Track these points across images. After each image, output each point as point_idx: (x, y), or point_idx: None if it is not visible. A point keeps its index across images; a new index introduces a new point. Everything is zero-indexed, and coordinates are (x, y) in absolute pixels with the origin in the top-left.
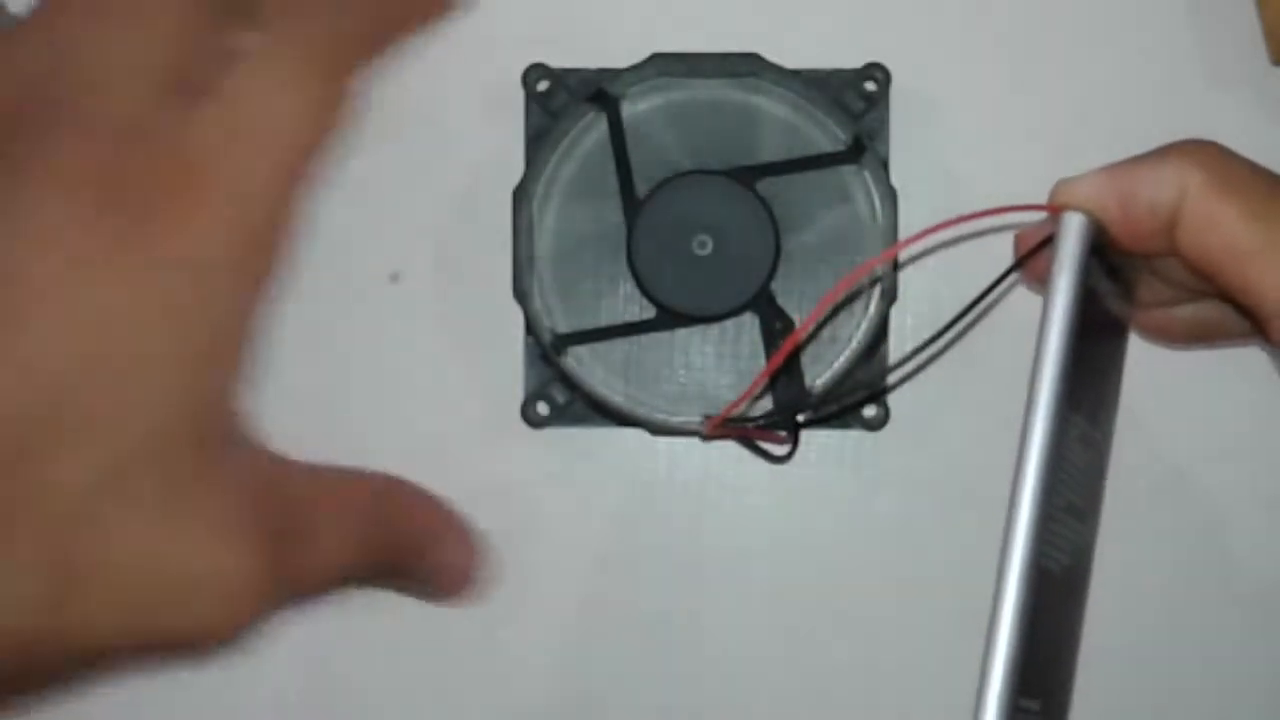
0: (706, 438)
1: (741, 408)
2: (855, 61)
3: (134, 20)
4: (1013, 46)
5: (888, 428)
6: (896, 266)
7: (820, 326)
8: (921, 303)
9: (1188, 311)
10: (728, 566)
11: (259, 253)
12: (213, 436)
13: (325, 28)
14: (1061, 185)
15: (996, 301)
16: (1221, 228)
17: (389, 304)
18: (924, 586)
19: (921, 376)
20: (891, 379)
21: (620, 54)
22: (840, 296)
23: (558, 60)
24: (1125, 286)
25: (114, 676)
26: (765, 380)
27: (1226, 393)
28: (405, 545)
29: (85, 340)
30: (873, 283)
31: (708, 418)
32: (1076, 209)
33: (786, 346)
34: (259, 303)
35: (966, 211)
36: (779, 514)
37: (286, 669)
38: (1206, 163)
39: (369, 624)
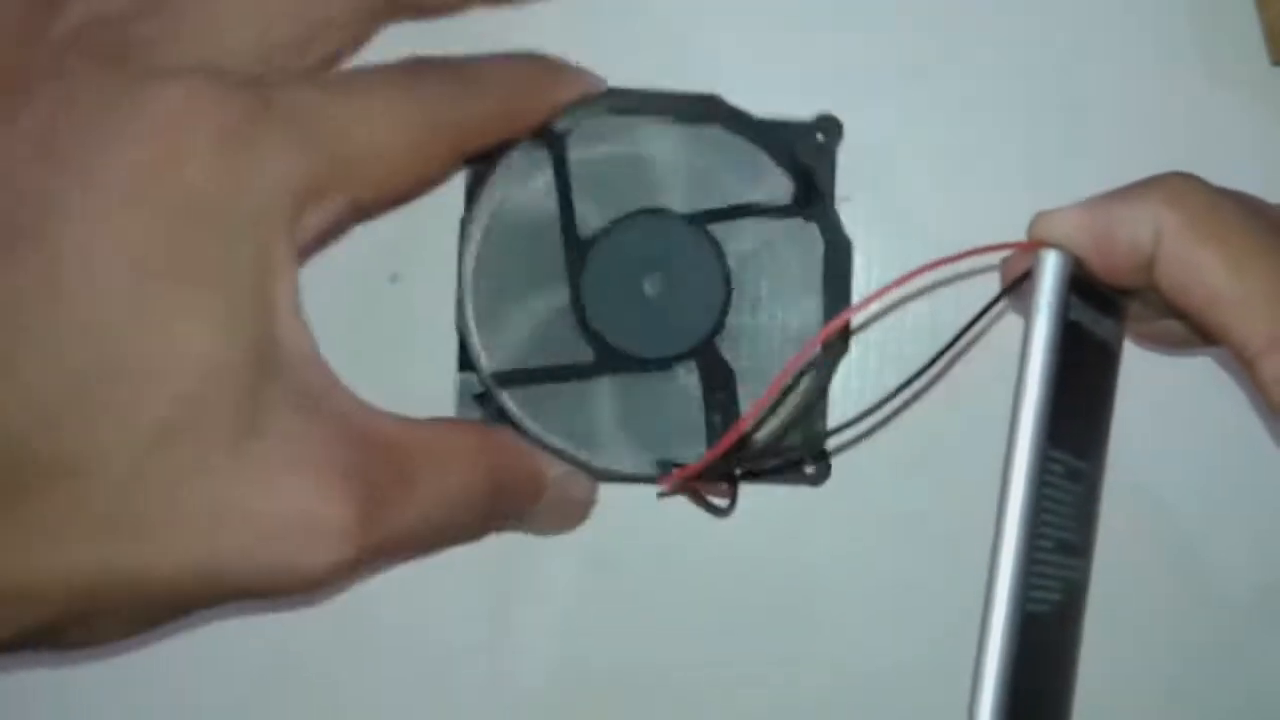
0: (664, 494)
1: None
2: (819, 101)
3: None
4: (1008, 45)
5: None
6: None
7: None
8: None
9: (1178, 324)
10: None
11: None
12: (286, 374)
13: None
14: (1039, 219)
15: (981, 334)
16: (1200, 274)
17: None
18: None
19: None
20: (868, 419)
21: None
22: (789, 378)
23: None
24: (1114, 309)
25: (195, 620)
26: (718, 451)
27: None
28: (512, 492)
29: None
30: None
31: (662, 471)
32: (1053, 245)
33: (733, 433)
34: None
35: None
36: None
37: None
38: (1185, 203)
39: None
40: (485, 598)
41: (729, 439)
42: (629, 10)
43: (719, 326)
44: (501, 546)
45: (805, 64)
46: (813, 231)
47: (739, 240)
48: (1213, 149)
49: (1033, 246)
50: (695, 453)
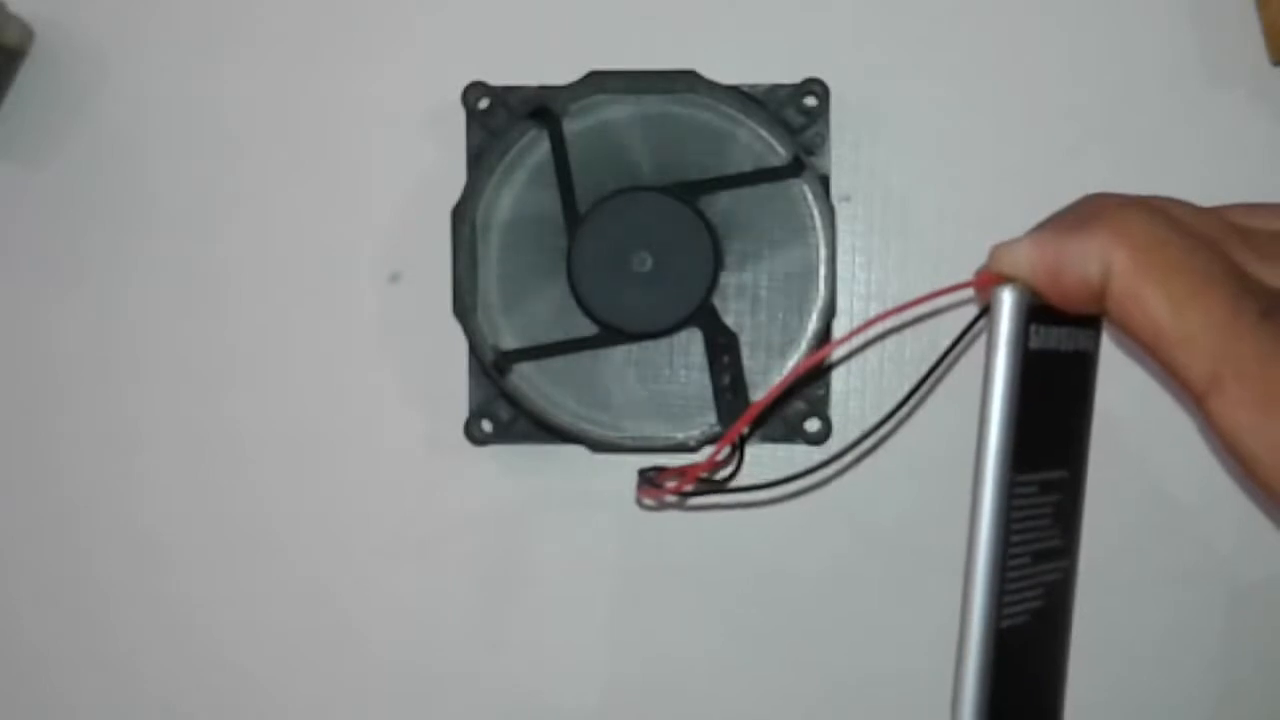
0: (645, 505)
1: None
2: (801, 75)
3: None
4: (1009, 46)
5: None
6: (834, 279)
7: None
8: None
9: None
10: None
11: None
12: None
13: None
14: (996, 252)
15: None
16: (1147, 311)
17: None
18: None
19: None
20: (867, 441)
21: (560, 72)
22: (789, 382)
23: (497, 78)
24: (1089, 318)
25: None
26: (724, 445)
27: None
28: None
29: None
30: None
31: (645, 479)
32: (1009, 281)
33: (746, 417)
34: None
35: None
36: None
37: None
38: (1131, 239)
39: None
40: (476, 600)
41: (711, 461)
42: None
43: (709, 295)
44: (494, 554)
45: (804, 64)
46: (802, 194)
47: (729, 208)
48: (1213, 149)
49: (988, 282)
50: (706, 420)
